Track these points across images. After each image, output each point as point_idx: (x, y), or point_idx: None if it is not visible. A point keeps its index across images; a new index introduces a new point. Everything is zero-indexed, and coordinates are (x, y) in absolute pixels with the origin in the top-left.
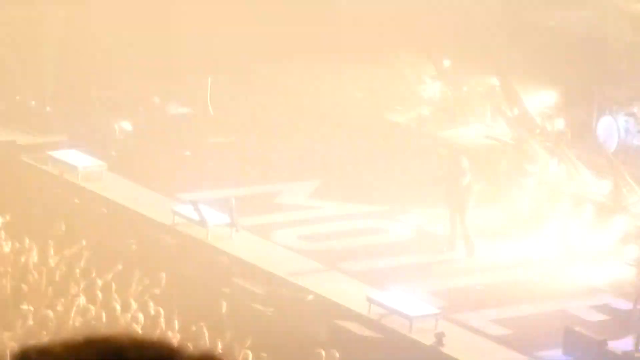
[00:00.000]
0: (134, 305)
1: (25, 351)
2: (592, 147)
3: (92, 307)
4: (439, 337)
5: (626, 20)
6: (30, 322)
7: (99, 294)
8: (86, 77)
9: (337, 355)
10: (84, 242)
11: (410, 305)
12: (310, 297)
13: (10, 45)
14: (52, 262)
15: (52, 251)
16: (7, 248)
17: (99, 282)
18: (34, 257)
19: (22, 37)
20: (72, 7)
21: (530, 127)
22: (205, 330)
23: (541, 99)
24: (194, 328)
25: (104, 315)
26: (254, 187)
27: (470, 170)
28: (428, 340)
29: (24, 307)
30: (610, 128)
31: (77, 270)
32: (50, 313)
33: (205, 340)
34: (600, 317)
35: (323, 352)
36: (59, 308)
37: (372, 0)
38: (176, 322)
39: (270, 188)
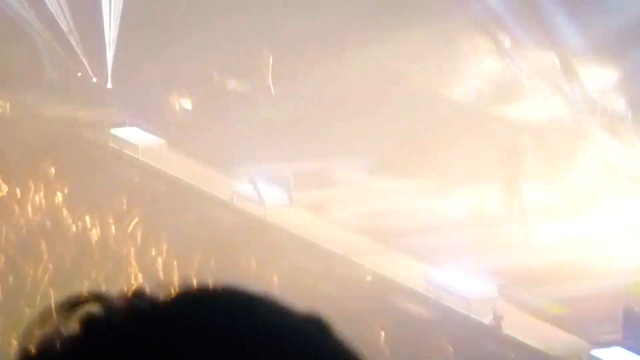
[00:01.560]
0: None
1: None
2: None
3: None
4: (497, 319)
5: None
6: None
7: (161, 274)
8: (146, 54)
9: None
10: (136, 219)
11: (468, 286)
12: (369, 278)
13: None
14: (112, 239)
15: (113, 228)
16: (71, 224)
17: (160, 260)
18: (95, 234)
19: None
20: None
21: (590, 106)
22: None
23: (602, 79)
24: None
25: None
26: (310, 162)
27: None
28: (486, 319)
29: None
30: None
31: (132, 250)
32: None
33: None
34: None
35: (382, 333)
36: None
37: None
38: None
39: (326, 163)
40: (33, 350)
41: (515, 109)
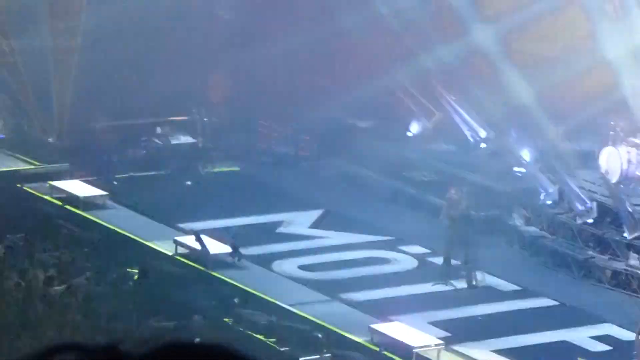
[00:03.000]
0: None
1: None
2: None
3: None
4: None
5: None
6: None
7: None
8: (90, 108)
9: None
10: (87, 274)
11: (412, 336)
12: (319, 335)
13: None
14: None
15: (56, 281)
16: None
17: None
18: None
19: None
20: None
21: None
22: None
23: None
24: None
25: None
26: (255, 216)
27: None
28: None
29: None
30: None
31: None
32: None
33: None
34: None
35: None
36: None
37: None
38: None
39: (272, 218)
40: None
41: None
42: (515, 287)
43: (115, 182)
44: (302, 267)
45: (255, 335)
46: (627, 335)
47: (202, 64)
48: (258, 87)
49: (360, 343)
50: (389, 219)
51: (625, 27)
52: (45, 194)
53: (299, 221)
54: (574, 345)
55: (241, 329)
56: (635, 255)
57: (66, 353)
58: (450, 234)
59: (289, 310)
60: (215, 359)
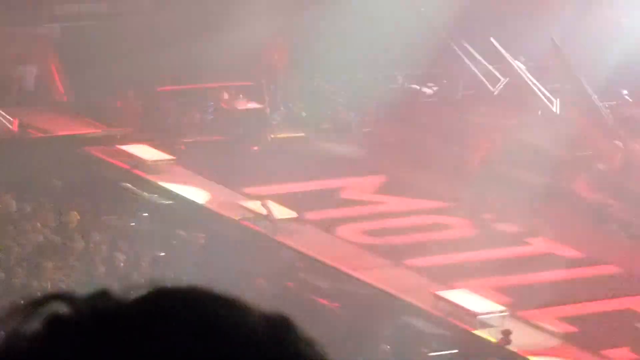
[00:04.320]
0: None
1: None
2: None
3: None
4: (506, 334)
5: None
6: None
7: None
8: (152, 73)
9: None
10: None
11: (476, 304)
12: (377, 294)
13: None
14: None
15: (121, 246)
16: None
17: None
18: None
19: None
20: None
21: None
22: None
23: None
24: None
25: None
26: (319, 181)
27: None
28: (495, 337)
29: None
30: None
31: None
32: None
33: None
34: None
35: (388, 347)
36: None
37: None
38: None
39: (336, 183)
40: None
41: None
42: (579, 255)
43: (182, 147)
44: (366, 233)
45: (318, 299)
46: None
47: (265, 28)
48: (321, 54)
49: (424, 310)
50: (453, 186)
51: None
52: (112, 158)
53: (363, 187)
54: (638, 313)
55: (305, 293)
56: None
57: (55, 303)
58: None
59: (352, 276)
60: (203, 302)
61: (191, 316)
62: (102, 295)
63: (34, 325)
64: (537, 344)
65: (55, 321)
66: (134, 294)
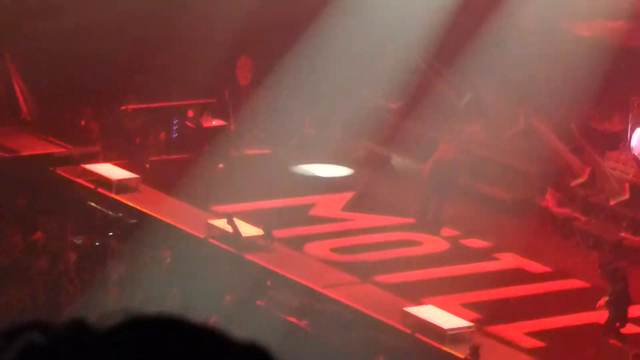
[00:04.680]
0: None
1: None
2: None
3: None
4: (474, 350)
5: None
6: None
7: None
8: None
9: None
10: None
11: (444, 319)
12: (346, 313)
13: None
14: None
15: (87, 265)
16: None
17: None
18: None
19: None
20: None
21: None
22: None
23: None
24: None
25: None
26: (287, 199)
27: None
28: (463, 353)
29: None
30: None
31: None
32: None
33: None
34: None
35: None
36: None
37: None
38: None
39: (303, 200)
40: None
41: None
42: (547, 269)
43: (147, 165)
44: (334, 250)
45: (287, 317)
46: None
47: (232, 46)
48: (286, 69)
49: (392, 326)
50: (420, 202)
51: None
52: (77, 177)
53: (331, 204)
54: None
55: (273, 311)
56: None
57: (30, 332)
58: None
59: (321, 293)
60: (177, 331)
61: (166, 348)
62: (78, 325)
63: (9, 354)
64: (505, 359)
65: (30, 351)
66: (108, 324)
